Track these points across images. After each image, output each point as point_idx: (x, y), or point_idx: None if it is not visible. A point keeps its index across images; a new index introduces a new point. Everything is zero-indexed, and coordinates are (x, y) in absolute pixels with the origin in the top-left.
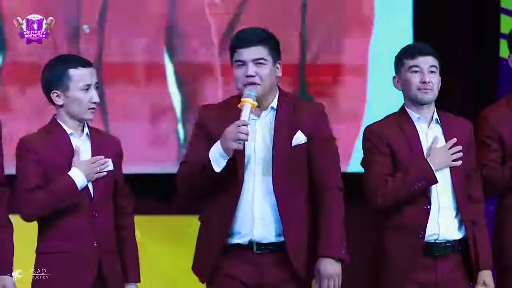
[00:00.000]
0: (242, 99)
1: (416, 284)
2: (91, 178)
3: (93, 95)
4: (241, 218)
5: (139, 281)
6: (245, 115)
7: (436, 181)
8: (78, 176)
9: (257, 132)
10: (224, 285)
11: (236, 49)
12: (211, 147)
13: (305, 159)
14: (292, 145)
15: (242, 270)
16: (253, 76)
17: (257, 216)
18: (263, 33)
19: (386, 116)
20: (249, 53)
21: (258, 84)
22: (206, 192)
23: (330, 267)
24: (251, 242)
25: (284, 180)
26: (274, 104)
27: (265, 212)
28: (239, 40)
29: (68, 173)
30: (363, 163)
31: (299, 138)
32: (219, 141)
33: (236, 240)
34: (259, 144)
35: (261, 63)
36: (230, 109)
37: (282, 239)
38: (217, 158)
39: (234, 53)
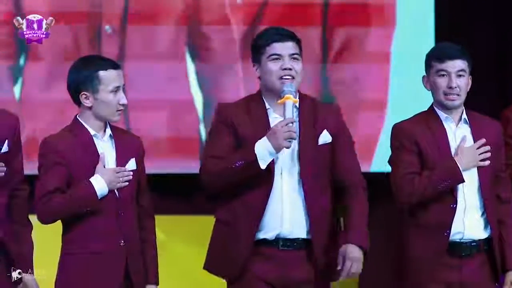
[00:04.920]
0: (284, 96)
1: (441, 284)
2: (113, 187)
3: (122, 97)
4: (270, 213)
5: (158, 284)
6: (289, 112)
7: (462, 180)
8: (100, 184)
9: None
10: (249, 285)
11: (271, 43)
12: (237, 145)
13: (329, 158)
14: (319, 143)
15: (267, 268)
16: (290, 69)
17: (286, 212)
18: (292, 32)
19: (415, 115)
20: (286, 47)
21: (294, 78)
22: (232, 189)
23: (356, 252)
24: (277, 238)
25: (311, 178)
26: (297, 102)
27: (294, 209)
28: (274, 34)
29: (91, 179)
30: (390, 161)
31: (325, 137)
32: (265, 138)
33: (262, 235)
34: None
35: (296, 59)
36: (253, 108)
37: (309, 236)
38: (265, 155)
39: (266, 47)
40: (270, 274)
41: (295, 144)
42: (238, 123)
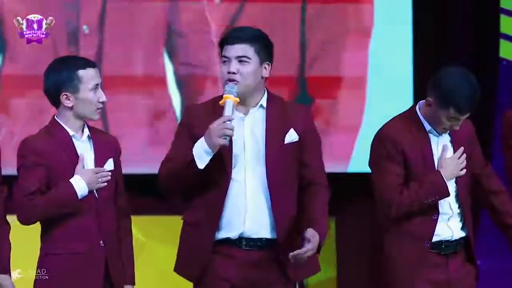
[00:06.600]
0: (224, 96)
1: (427, 282)
2: (93, 188)
3: (101, 94)
4: (231, 212)
5: (134, 284)
6: (228, 110)
7: (448, 195)
8: (80, 185)
9: (245, 128)
10: (211, 285)
11: (224, 46)
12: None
13: (296, 157)
14: (285, 142)
15: (229, 268)
16: (234, 73)
17: (249, 210)
18: (253, 32)
19: (398, 118)
20: (234, 50)
21: (237, 81)
22: (191, 189)
23: (316, 238)
24: (240, 237)
25: (277, 176)
26: (263, 102)
27: (258, 208)
28: (227, 37)
29: (70, 180)
30: (375, 168)
31: (292, 136)
32: (202, 138)
33: (225, 234)
34: (248, 140)
35: (244, 61)
36: (216, 108)
37: (273, 236)
38: (201, 155)
39: (222, 50)
40: (233, 274)
41: (260, 144)
42: (196, 124)
